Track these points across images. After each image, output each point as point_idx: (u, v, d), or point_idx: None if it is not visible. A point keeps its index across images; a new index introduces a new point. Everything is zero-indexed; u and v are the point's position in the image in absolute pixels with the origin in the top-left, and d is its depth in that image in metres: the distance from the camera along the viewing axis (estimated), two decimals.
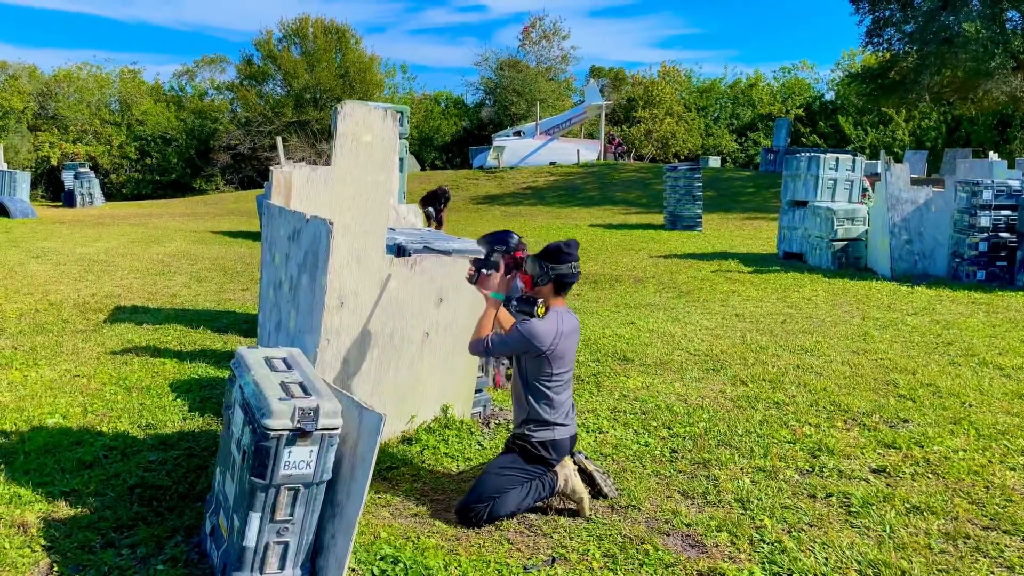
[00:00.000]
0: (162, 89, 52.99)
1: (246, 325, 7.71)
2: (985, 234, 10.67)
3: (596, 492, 3.82)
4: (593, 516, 3.62)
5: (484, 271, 3.76)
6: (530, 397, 3.64)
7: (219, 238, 17.96)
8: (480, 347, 3.69)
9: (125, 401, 5.17)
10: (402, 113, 7.37)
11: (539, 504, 3.66)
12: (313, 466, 2.86)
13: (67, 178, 30.31)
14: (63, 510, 3.55)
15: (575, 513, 3.64)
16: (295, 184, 4.39)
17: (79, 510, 3.55)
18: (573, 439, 3.78)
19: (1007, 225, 10.65)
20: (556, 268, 3.63)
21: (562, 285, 3.70)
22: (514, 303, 3.75)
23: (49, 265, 11.98)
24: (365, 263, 4.05)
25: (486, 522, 3.50)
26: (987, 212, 10.67)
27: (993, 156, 24.45)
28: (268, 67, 47.29)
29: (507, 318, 3.76)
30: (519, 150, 37.70)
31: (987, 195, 10.67)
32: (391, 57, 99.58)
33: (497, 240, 3.79)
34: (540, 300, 3.64)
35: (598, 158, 39.05)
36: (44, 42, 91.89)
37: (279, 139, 12.87)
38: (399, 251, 4.43)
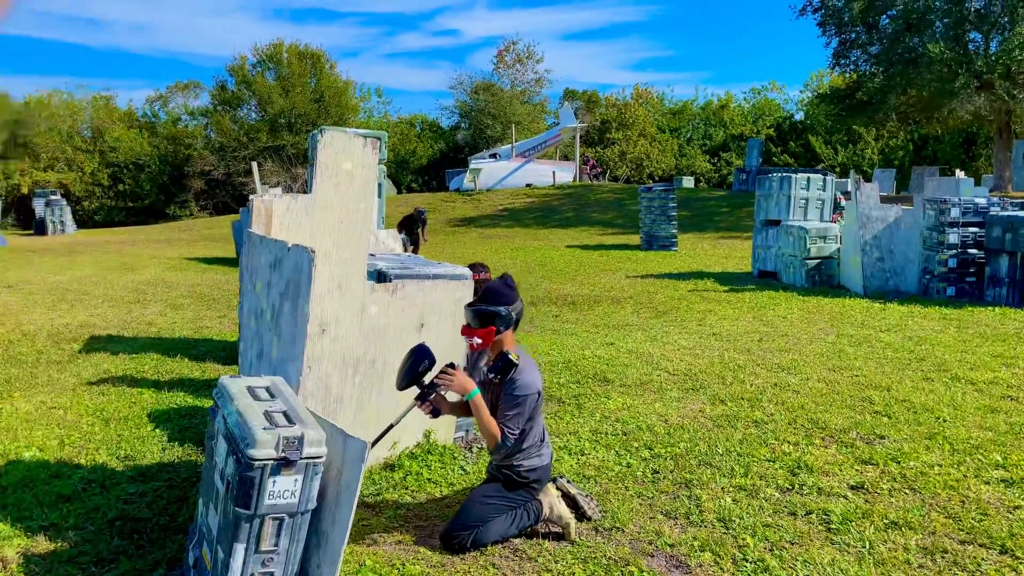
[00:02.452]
0: (135, 115, 52.72)
1: (224, 353, 7.67)
2: (954, 251, 10.88)
3: (580, 515, 3.84)
4: (577, 539, 3.64)
5: (438, 393, 3.47)
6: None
7: (194, 265, 17.83)
8: (507, 444, 3.48)
9: (103, 432, 5.11)
10: (380, 139, 7.43)
11: (524, 532, 3.66)
12: (298, 495, 2.86)
13: (38, 206, 30.01)
14: (43, 545, 3.50)
15: (560, 537, 3.65)
16: (276, 212, 4.41)
17: (59, 544, 3.50)
18: (550, 464, 3.80)
19: (975, 242, 10.88)
20: (514, 308, 3.55)
21: (517, 322, 3.62)
22: (491, 376, 3.57)
23: (21, 295, 11.83)
24: (346, 290, 4.07)
25: (470, 549, 3.50)
26: (955, 229, 10.89)
27: (959, 174, 25.01)
28: (242, 92, 47.28)
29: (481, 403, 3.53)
30: (495, 172, 37.91)
31: (955, 212, 10.89)
32: (366, 81, 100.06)
33: (419, 357, 3.43)
34: (507, 352, 3.53)
35: (574, 179, 39.34)
36: (14, 69, 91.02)
37: (254, 164, 12.88)
38: (379, 277, 4.45)
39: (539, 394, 3.56)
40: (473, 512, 3.53)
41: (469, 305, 3.59)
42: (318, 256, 3.81)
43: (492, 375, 3.56)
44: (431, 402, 3.45)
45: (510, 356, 3.50)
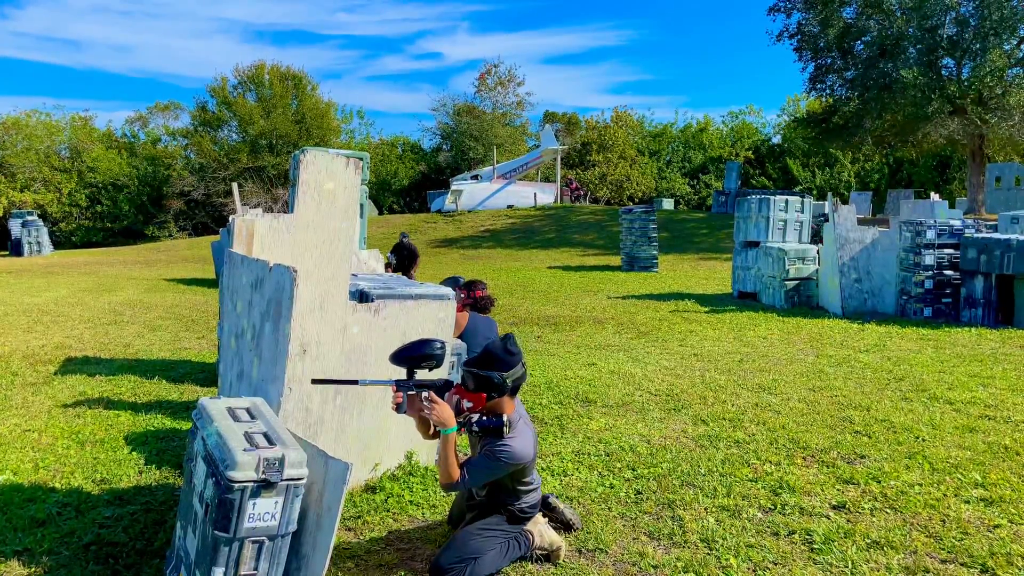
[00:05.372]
0: (114, 136, 52.45)
1: (203, 375, 7.58)
2: (930, 272, 11.02)
3: (567, 526, 3.86)
4: (562, 561, 3.61)
5: (419, 394, 3.28)
6: (511, 485, 3.53)
7: (173, 286, 17.67)
8: (459, 487, 3.36)
9: (78, 455, 5.03)
10: (363, 160, 7.42)
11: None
12: (278, 518, 2.82)
13: (14, 227, 29.71)
14: (16, 570, 3.42)
15: (543, 559, 3.62)
16: (257, 232, 4.39)
17: (33, 570, 3.43)
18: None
19: (951, 263, 11.03)
20: (511, 374, 3.35)
21: (516, 388, 3.41)
22: (475, 429, 3.39)
23: None
24: (328, 310, 4.04)
25: None
26: (931, 251, 11.04)
27: (934, 196, 25.39)
28: (223, 113, 47.17)
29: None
30: (477, 194, 38.04)
31: (930, 234, 11.05)
32: (348, 103, 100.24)
33: (430, 352, 3.28)
34: (504, 418, 3.34)
35: (555, 201, 39.54)
36: None
37: (235, 185, 12.83)
38: (361, 297, 4.43)
39: (526, 464, 3.42)
40: (471, 545, 3.39)
41: (465, 365, 3.40)
42: (300, 275, 3.79)
43: (477, 428, 3.39)
44: (406, 396, 3.28)
45: (504, 425, 3.32)
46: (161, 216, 46.78)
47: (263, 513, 2.79)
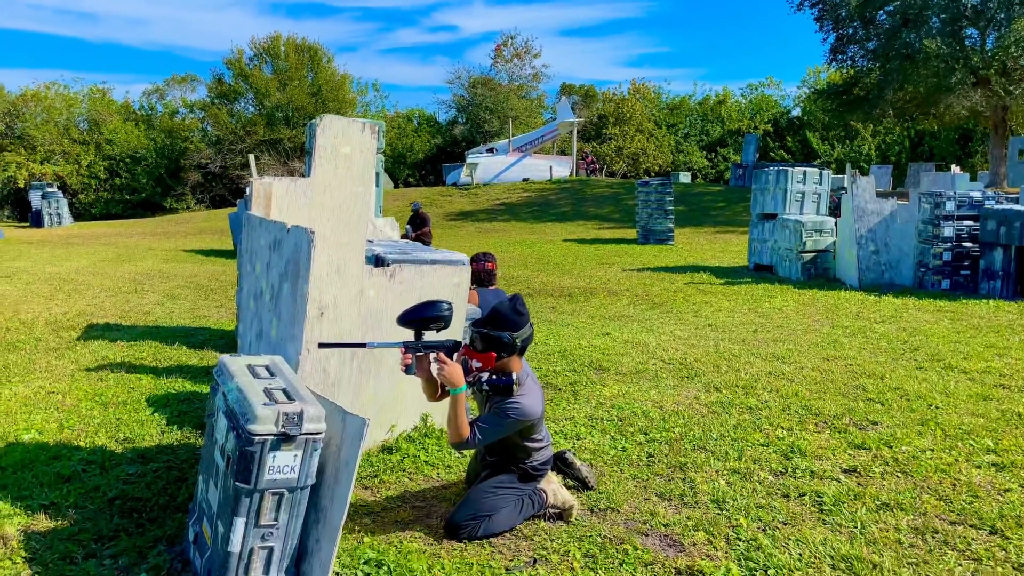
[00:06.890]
0: (132, 108, 52.52)
1: (222, 341, 7.69)
2: (948, 244, 10.93)
3: (584, 484, 3.96)
4: (574, 519, 3.68)
5: (427, 354, 3.33)
6: (521, 443, 3.60)
7: (191, 256, 17.84)
8: (469, 445, 3.42)
9: (102, 416, 5.14)
10: (379, 127, 7.44)
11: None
12: (297, 471, 2.89)
13: (34, 198, 29.98)
14: (43, 523, 3.53)
15: (556, 517, 3.69)
16: (275, 195, 4.44)
17: (59, 523, 3.54)
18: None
19: (970, 235, 10.93)
20: (519, 334, 3.42)
21: (524, 347, 3.49)
22: (487, 389, 3.43)
23: (19, 284, 11.83)
24: (345, 274, 4.09)
25: (477, 538, 3.45)
26: (950, 223, 10.94)
27: (956, 169, 25.07)
28: (239, 85, 47.15)
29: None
30: (492, 167, 37.92)
31: (950, 206, 10.95)
32: (363, 76, 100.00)
33: (438, 313, 3.31)
34: (513, 375, 3.41)
35: (571, 174, 39.37)
36: (11, 62, 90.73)
37: (251, 157, 12.88)
38: (378, 261, 4.48)
39: (535, 421, 3.50)
40: (485, 502, 3.48)
41: (473, 325, 3.47)
42: (317, 238, 3.84)
43: (487, 387, 3.45)
44: (415, 357, 3.33)
45: (513, 383, 3.38)
46: (179, 188, 46.99)
47: (283, 466, 2.86)
